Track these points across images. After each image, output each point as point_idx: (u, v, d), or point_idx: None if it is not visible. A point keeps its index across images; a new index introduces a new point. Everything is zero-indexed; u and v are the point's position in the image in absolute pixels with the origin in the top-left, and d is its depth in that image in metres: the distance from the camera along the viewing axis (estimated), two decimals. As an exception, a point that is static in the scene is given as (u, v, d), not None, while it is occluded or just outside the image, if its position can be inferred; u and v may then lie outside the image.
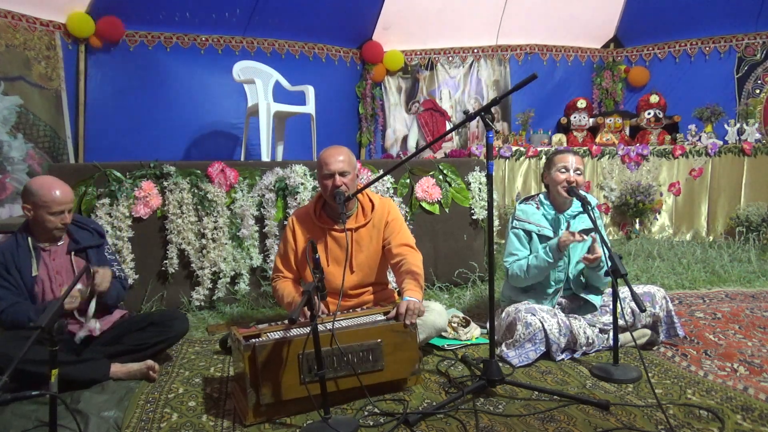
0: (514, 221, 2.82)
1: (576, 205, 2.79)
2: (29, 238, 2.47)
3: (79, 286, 2.37)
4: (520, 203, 2.89)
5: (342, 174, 2.47)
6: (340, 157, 2.50)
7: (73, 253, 2.52)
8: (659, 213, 5.76)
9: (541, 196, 2.86)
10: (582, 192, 2.67)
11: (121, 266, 2.76)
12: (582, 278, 2.80)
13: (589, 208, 2.54)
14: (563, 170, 2.71)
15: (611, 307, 2.54)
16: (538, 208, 2.82)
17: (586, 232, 2.72)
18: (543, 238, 2.75)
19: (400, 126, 7.01)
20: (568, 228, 2.73)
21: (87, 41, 5.43)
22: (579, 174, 2.72)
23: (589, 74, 6.95)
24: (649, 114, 6.32)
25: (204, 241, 3.55)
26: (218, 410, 2.15)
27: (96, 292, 2.39)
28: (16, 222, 3.85)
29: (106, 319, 2.55)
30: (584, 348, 2.62)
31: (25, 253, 2.43)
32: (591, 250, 2.57)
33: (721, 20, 6.24)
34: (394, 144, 7.01)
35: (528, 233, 2.78)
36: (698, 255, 4.76)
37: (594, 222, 2.50)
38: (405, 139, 6.88)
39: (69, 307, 2.32)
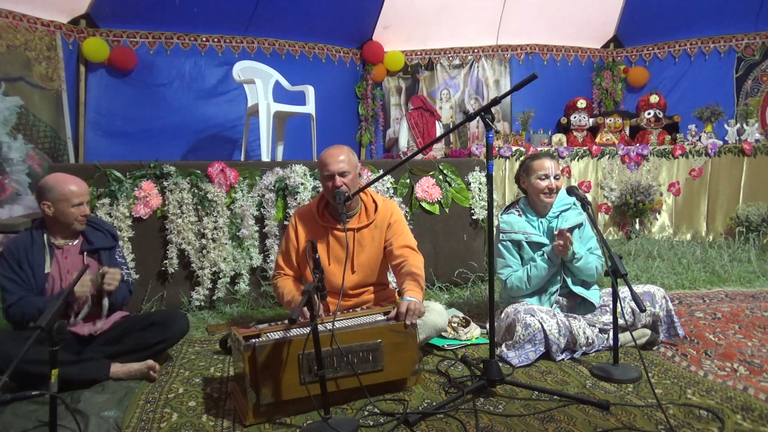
0: (501, 234, 2.82)
1: (556, 206, 2.81)
2: (45, 235, 2.48)
3: (89, 275, 2.38)
4: (502, 214, 2.89)
5: (342, 174, 2.48)
6: (340, 157, 2.50)
7: (85, 253, 2.53)
8: (659, 213, 5.76)
9: (521, 203, 2.87)
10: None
11: (129, 270, 2.78)
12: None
13: (588, 207, 2.56)
14: (543, 177, 2.74)
15: (611, 306, 2.54)
16: (520, 215, 2.83)
17: (570, 230, 2.73)
18: (533, 245, 2.76)
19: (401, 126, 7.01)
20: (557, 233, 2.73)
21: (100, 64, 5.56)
22: (558, 179, 2.75)
23: (589, 74, 6.96)
24: (649, 114, 6.32)
25: (204, 241, 3.55)
26: (218, 410, 2.15)
27: (105, 292, 2.42)
28: (16, 222, 3.86)
29: (107, 319, 2.55)
30: (584, 348, 2.62)
31: (39, 249, 2.45)
32: (559, 235, 2.60)
33: (720, 20, 6.24)
34: (394, 144, 7.01)
35: (516, 243, 2.79)
36: (698, 255, 4.75)
37: (593, 222, 2.50)
38: (395, 140, 6.86)
39: (80, 293, 2.34)
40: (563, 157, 5.75)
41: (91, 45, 5.40)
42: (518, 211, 2.84)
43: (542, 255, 2.68)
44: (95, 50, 5.41)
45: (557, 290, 2.75)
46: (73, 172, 3.41)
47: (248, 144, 5.24)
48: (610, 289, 2.54)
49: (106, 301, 2.47)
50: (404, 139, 6.49)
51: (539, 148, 5.77)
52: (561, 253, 2.61)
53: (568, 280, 2.75)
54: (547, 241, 2.74)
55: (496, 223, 2.92)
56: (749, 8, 6.10)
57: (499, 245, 2.82)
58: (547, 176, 2.73)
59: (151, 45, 5.76)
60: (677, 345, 2.72)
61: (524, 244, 2.77)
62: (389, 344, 2.19)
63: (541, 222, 2.80)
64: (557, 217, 2.80)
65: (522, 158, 3.59)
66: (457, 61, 6.95)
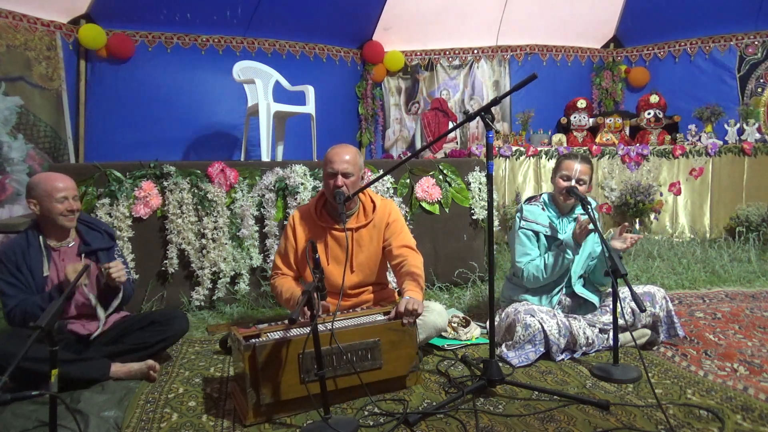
0: (522, 222, 2.80)
1: (578, 209, 2.80)
2: (40, 237, 2.47)
3: (82, 265, 2.36)
4: (525, 203, 2.89)
5: (345, 175, 2.47)
6: (346, 157, 2.49)
7: (83, 255, 2.52)
8: (659, 213, 5.76)
9: (545, 198, 2.86)
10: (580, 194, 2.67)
11: (129, 269, 2.77)
12: (584, 274, 2.81)
13: (589, 208, 2.55)
14: (565, 178, 2.72)
15: (611, 307, 2.55)
16: (543, 209, 2.82)
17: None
18: (550, 239, 2.76)
19: (400, 126, 7.02)
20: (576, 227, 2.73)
21: (95, 51, 5.51)
22: (582, 184, 2.71)
23: (589, 74, 6.96)
24: (649, 114, 6.32)
25: (204, 241, 3.55)
26: (218, 410, 2.16)
27: (117, 285, 2.43)
28: (16, 222, 3.86)
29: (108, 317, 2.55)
30: (584, 348, 2.62)
31: (36, 252, 2.43)
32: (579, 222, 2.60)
33: (720, 20, 6.24)
34: (394, 144, 7.02)
35: (536, 233, 2.78)
36: (698, 255, 4.75)
37: (594, 222, 2.50)
38: (412, 139, 6.90)
39: (71, 277, 2.29)
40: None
41: (88, 32, 5.34)
42: (541, 204, 2.83)
43: (560, 245, 2.67)
44: (92, 38, 5.37)
45: (560, 291, 2.76)
46: (73, 171, 3.42)
47: (248, 144, 5.24)
48: (610, 289, 2.54)
49: (116, 300, 2.48)
50: (419, 140, 6.52)
51: (539, 148, 5.77)
52: (580, 237, 2.60)
53: (573, 281, 2.75)
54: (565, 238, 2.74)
55: (496, 222, 2.91)
56: (749, 8, 6.10)
57: (520, 232, 2.79)
58: (569, 178, 2.71)
59: (150, 44, 5.75)
60: (677, 345, 2.72)
61: (542, 236, 2.77)
62: (387, 342, 2.20)
63: (561, 220, 2.80)
64: (575, 220, 2.80)
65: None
66: (456, 62, 6.95)
